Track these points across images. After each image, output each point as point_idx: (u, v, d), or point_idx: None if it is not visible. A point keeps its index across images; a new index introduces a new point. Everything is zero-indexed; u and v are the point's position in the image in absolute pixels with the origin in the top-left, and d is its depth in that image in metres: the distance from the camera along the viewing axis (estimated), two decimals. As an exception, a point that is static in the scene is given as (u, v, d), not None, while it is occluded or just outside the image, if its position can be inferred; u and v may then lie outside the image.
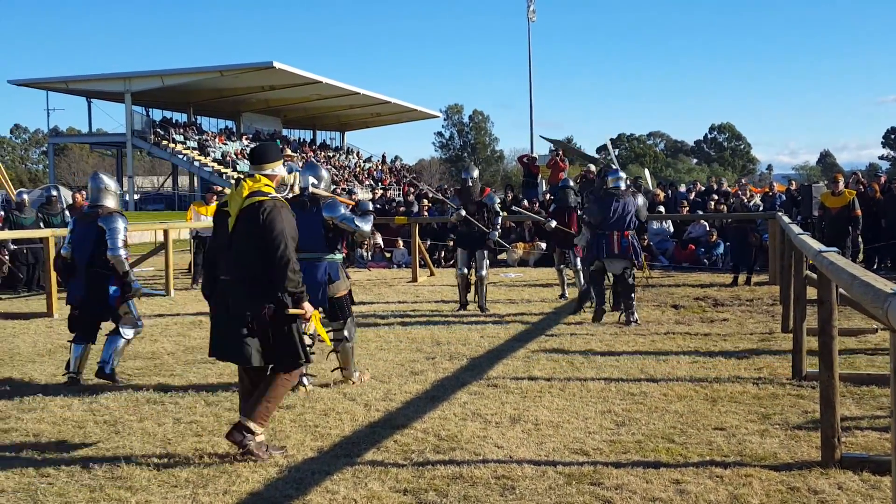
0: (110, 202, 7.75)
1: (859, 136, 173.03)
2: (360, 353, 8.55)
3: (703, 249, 17.87)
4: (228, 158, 51.78)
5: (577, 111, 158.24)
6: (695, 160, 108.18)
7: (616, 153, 11.40)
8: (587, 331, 9.92)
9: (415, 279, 16.08)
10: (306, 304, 5.34)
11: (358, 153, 72.84)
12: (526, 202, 20.53)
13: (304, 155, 59.43)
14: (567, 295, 13.17)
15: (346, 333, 7.25)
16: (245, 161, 52.19)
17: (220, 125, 64.06)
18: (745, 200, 15.64)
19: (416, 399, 6.73)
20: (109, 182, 7.86)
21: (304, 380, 7.09)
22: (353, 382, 7.28)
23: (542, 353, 8.56)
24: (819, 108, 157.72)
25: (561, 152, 23.57)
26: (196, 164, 51.89)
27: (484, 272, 11.72)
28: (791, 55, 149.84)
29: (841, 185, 15.27)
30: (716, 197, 19.28)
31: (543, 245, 19.25)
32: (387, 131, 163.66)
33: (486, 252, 11.76)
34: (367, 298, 13.45)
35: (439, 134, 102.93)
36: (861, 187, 16.97)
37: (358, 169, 64.19)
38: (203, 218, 16.08)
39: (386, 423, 6.01)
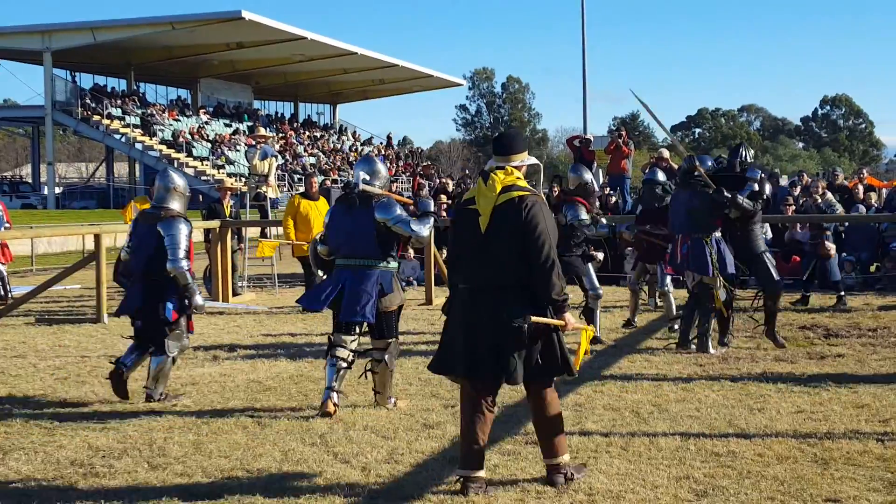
0: (175, 204, 8.90)
1: None
2: (356, 398, 8.66)
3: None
4: (182, 139, 52.05)
5: (644, 80, 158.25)
6: (801, 144, 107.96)
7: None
8: (657, 369, 9.94)
9: (429, 301, 16.13)
10: (568, 315, 6.10)
11: (354, 133, 73.09)
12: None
13: (282, 134, 59.72)
14: (636, 322, 13.19)
15: (386, 356, 8.24)
16: (203, 143, 52.53)
17: (171, 95, 64.56)
18: (818, 200, 15.71)
19: (430, 461, 6.76)
20: (179, 181, 9.06)
21: (334, 395, 8.12)
22: (388, 408, 8.30)
23: (598, 399, 8.61)
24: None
25: (625, 134, 23.55)
26: (138, 146, 52.26)
27: (600, 290, 12.22)
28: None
29: None
30: (827, 193, 19.20)
31: (600, 255, 19.23)
32: (392, 104, 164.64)
33: (591, 266, 12.31)
34: (364, 326, 13.47)
35: (462, 108, 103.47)
36: None
37: (354, 154, 64.36)
38: (148, 219, 16.16)
39: (391, 494, 6.04)
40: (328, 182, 24.87)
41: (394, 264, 8.28)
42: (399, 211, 8.14)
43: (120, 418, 8.14)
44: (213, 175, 48.35)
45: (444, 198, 20.96)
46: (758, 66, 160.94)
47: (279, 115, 69.94)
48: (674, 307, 12.64)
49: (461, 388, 6.30)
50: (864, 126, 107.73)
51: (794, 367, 10.05)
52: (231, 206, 18.00)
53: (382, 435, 7.47)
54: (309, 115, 74.30)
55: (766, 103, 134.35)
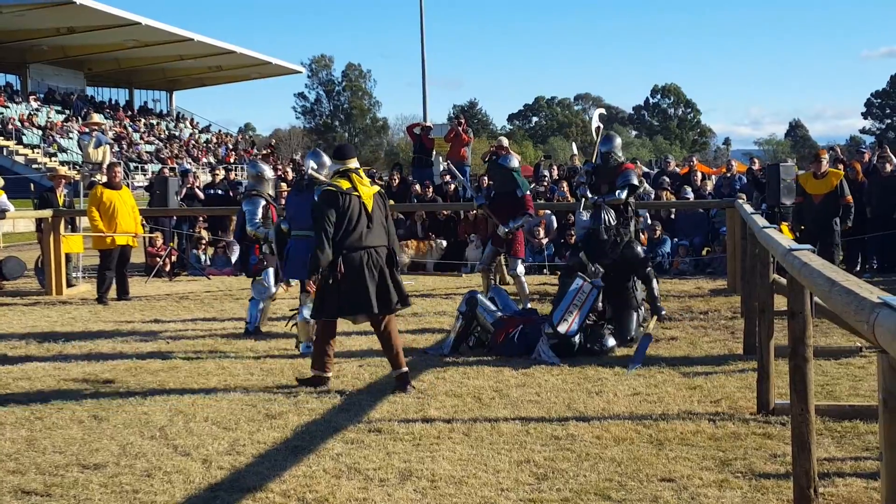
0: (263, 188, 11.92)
1: (837, 101, 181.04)
2: (197, 391, 8.56)
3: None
4: (11, 126, 50.15)
5: (482, 67, 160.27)
6: (634, 132, 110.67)
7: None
8: (498, 354, 10.02)
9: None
10: None
11: (192, 120, 71.71)
12: (418, 186, 20.61)
13: (117, 121, 58.17)
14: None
15: (304, 309, 10.11)
16: (34, 130, 50.82)
17: (0, 81, 62.08)
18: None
19: (272, 451, 6.70)
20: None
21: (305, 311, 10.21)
22: (300, 352, 10.23)
23: (440, 385, 8.65)
24: (787, 67, 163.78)
25: (464, 122, 23.68)
26: (-35, 134, 50.06)
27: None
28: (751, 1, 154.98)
29: (825, 164, 15.72)
30: (667, 179, 19.76)
31: (444, 243, 19.39)
32: (231, 91, 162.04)
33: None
34: (203, 315, 13.27)
35: (301, 96, 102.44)
36: (840, 166, 17.64)
37: (193, 141, 63.15)
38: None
39: (232, 486, 5.96)
40: (166, 171, 24.27)
41: None
42: None
43: (-54, 417, 7.80)
44: (45, 163, 46.75)
45: (284, 186, 20.69)
46: (591, 55, 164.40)
47: (113, 102, 68.05)
48: (526, 289, 12.84)
49: (386, 322, 8.53)
50: (692, 115, 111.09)
51: (629, 350, 10.28)
52: (65, 196, 17.44)
53: (223, 426, 7.36)
54: (145, 102, 72.55)
55: (601, 92, 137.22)
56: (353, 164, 8.79)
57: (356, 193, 8.48)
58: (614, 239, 11.21)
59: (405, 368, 8.51)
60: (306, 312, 10.09)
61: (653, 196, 17.50)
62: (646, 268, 11.68)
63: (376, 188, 8.80)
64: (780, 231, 14.85)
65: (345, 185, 8.50)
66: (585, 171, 12.78)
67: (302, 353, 10.25)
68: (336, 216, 8.37)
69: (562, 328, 9.82)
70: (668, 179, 19.81)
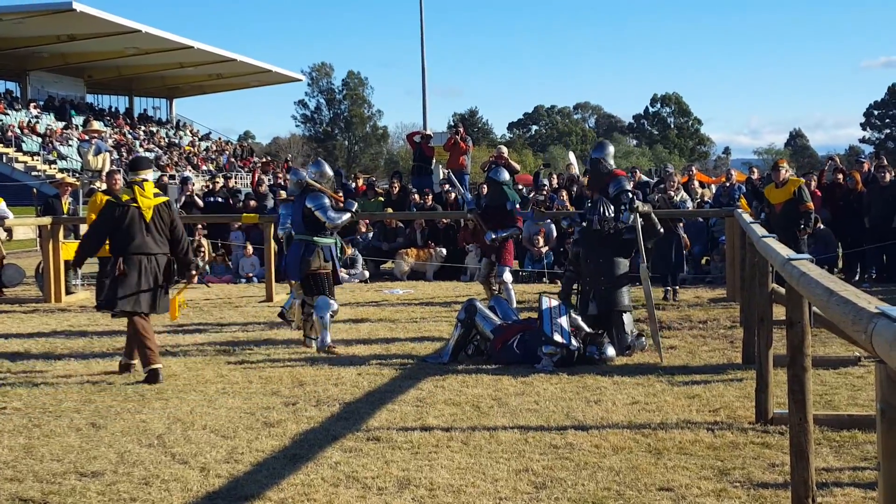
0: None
1: (837, 111, 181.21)
2: (196, 399, 8.57)
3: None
4: (10, 134, 50.20)
5: (482, 76, 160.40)
6: (633, 141, 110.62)
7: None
8: (496, 364, 10.02)
9: (269, 298, 15.95)
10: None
11: (191, 128, 71.75)
12: (416, 195, 20.63)
13: (116, 128, 58.21)
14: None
15: (314, 311, 10.85)
16: (34, 137, 50.89)
17: (0, 88, 62.17)
18: (672, 196, 16.17)
19: (270, 459, 6.70)
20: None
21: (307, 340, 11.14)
22: (321, 351, 10.82)
23: (439, 394, 8.64)
24: (787, 77, 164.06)
25: (462, 130, 23.71)
26: (-36, 141, 50.08)
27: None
28: (751, 9, 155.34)
29: (783, 173, 15.64)
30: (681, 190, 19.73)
31: (444, 251, 19.41)
32: (231, 99, 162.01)
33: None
34: (201, 323, 13.26)
35: (301, 103, 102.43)
36: (840, 176, 17.68)
37: (193, 149, 63.19)
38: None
39: (230, 494, 5.95)
40: (165, 178, 24.33)
41: (323, 240, 10.95)
42: (324, 202, 10.90)
43: (-56, 424, 7.80)
44: (45, 171, 46.76)
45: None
46: (591, 64, 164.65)
47: (113, 109, 68.05)
48: (513, 296, 12.88)
49: (134, 321, 9.51)
50: (691, 124, 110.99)
51: (628, 359, 10.30)
52: (69, 204, 17.48)
53: (222, 434, 7.36)
54: (145, 110, 72.54)
55: (600, 101, 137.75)
56: (145, 175, 9.89)
57: (135, 205, 9.53)
58: (609, 231, 11.05)
59: (158, 364, 9.36)
60: (321, 312, 10.88)
61: (689, 204, 17.38)
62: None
63: (160, 199, 9.76)
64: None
65: (125, 196, 9.63)
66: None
67: (318, 348, 10.93)
68: (113, 223, 9.53)
69: (557, 338, 9.84)
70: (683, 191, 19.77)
